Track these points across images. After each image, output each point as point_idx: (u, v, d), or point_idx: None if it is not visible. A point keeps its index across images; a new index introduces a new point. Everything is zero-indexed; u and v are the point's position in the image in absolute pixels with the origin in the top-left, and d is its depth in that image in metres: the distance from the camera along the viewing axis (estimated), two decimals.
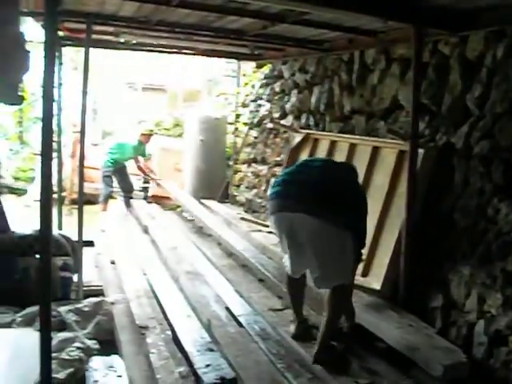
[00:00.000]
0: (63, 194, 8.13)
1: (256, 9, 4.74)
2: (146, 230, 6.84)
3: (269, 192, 3.79)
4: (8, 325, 4.01)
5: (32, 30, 6.60)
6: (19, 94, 4.09)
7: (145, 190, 9.41)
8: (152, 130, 9.57)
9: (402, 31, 4.63)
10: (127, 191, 8.96)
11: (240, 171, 9.32)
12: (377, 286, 4.37)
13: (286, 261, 3.76)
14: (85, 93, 4.83)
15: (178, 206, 9.24)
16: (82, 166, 4.94)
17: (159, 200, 9.11)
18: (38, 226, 2.64)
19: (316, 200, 3.47)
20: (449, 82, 4.46)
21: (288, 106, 7.56)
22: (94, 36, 5.59)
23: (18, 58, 3.53)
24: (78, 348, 3.62)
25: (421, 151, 4.42)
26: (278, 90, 8.05)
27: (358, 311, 3.96)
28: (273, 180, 4.00)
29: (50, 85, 2.68)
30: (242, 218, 7.32)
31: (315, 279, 3.62)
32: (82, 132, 4.91)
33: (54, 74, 2.73)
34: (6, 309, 4.27)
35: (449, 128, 4.42)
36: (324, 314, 3.59)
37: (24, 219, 7.27)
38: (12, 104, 5.03)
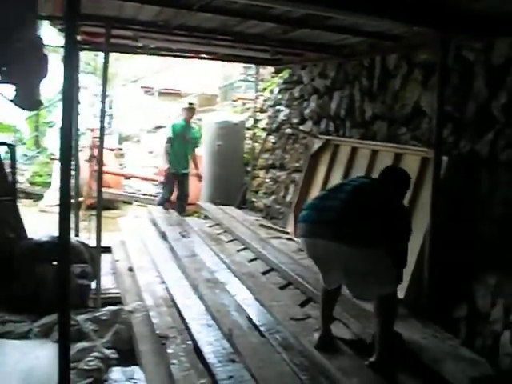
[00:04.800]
0: (80, 199, 8.12)
1: (278, 13, 4.69)
2: (163, 237, 6.79)
3: (300, 214, 3.71)
4: (25, 334, 3.98)
5: (48, 35, 6.60)
6: (37, 98, 4.08)
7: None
8: (192, 104, 9.27)
9: (425, 36, 4.56)
10: (183, 198, 8.71)
11: (258, 177, 9.26)
12: (400, 295, 4.27)
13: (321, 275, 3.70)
14: (103, 98, 4.82)
15: (196, 212, 9.20)
16: (100, 171, 4.92)
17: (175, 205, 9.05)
18: (54, 232, 2.58)
19: (346, 226, 3.37)
20: (473, 89, 4.38)
21: (307, 112, 7.50)
22: (113, 40, 5.58)
23: (36, 62, 3.51)
24: (97, 358, 3.59)
25: (445, 159, 4.35)
26: (297, 95, 8.00)
27: None
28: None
29: (70, 90, 2.62)
30: (261, 225, 7.25)
31: (352, 293, 3.59)
32: (101, 137, 4.90)
33: (74, 79, 2.67)
34: (23, 318, 4.23)
35: (473, 135, 4.34)
36: (375, 323, 3.55)
37: (40, 225, 7.28)
38: (30, 109, 5.05)
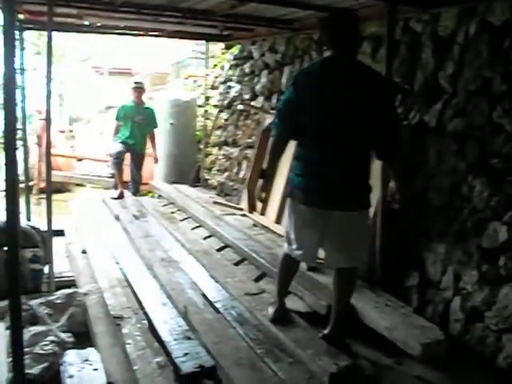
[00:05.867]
0: (31, 183, 7.96)
1: None
2: (117, 218, 6.71)
3: (295, 178, 3.46)
4: None
5: None
6: None
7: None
8: (139, 83, 8.50)
9: (373, 9, 4.58)
10: (137, 179, 8.45)
11: (211, 154, 9.22)
12: None
13: (297, 250, 3.51)
14: (49, 78, 4.68)
15: (150, 192, 9.13)
16: (49, 153, 4.82)
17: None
18: (3, 217, 2.53)
19: (348, 190, 3.34)
20: (421, 60, 4.43)
21: (258, 87, 7.47)
22: (57, 19, 5.43)
23: None
24: (52, 342, 3.54)
25: None
26: (247, 70, 7.95)
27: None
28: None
29: (11, 70, 2.55)
30: (215, 202, 7.25)
31: (332, 259, 3.51)
32: (48, 119, 4.78)
33: (14, 58, 2.59)
34: None
35: (422, 106, 4.39)
36: (333, 297, 3.57)
37: None
38: None
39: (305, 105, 3.27)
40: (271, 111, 6.70)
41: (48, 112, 4.74)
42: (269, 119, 6.55)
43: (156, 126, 8.60)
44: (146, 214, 6.90)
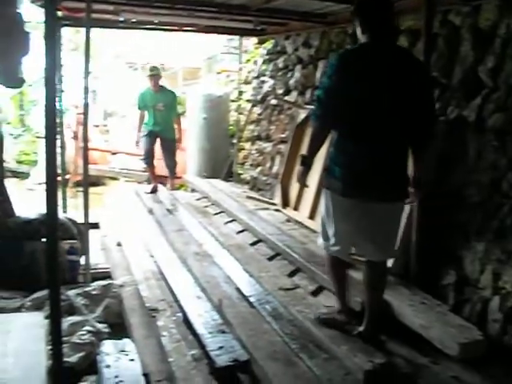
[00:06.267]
0: (67, 176, 8.06)
1: None
2: (150, 212, 6.77)
3: (335, 168, 3.34)
4: (17, 310, 4.00)
5: (30, 11, 6.50)
6: (19, 76, 4.02)
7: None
8: (155, 69, 8.08)
9: (410, 2, 4.51)
10: (172, 164, 8.23)
11: (244, 149, 9.22)
12: (388, 262, 4.29)
13: (334, 245, 3.44)
14: (87, 74, 4.74)
15: (182, 186, 9.17)
16: (86, 147, 4.87)
17: (163, 180, 8.99)
18: (43, 210, 2.57)
19: (388, 181, 3.26)
20: (460, 54, 4.34)
21: (292, 82, 7.44)
22: (94, 15, 5.48)
23: (18, 39, 3.44)
24: (89, 332, 3.62)
25: None
26: (281, 65, 7.93)
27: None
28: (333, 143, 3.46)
29: (52, 67, 2.57)
30: (248, 197, 7.25)
31: (364, 251, 3.47)
32: (85, 113, 4.83)
33: (55, 55, 2.62)
34: (15, 294, 4.23)
35: (460, 101, 4.31)
36: (365, 293, 3.51)
37: (28, 203, 7.23)
38: (12, 87, 4.97)
39: (344, 94, 3.18)
40: (305, 106, 6.67)
41: (86, 106, 4.79)
42: (303, 114, 6.52)
43: (176, 113, 8.33)
44: (178, 207, 6.94)
